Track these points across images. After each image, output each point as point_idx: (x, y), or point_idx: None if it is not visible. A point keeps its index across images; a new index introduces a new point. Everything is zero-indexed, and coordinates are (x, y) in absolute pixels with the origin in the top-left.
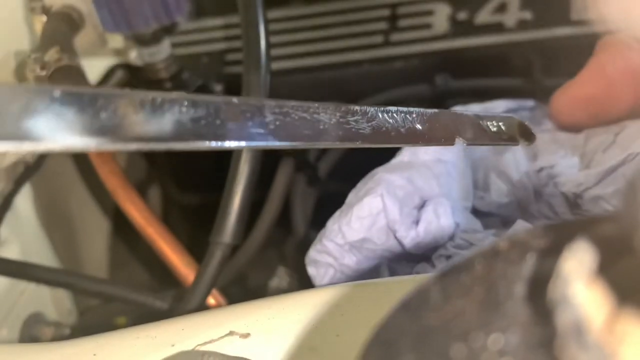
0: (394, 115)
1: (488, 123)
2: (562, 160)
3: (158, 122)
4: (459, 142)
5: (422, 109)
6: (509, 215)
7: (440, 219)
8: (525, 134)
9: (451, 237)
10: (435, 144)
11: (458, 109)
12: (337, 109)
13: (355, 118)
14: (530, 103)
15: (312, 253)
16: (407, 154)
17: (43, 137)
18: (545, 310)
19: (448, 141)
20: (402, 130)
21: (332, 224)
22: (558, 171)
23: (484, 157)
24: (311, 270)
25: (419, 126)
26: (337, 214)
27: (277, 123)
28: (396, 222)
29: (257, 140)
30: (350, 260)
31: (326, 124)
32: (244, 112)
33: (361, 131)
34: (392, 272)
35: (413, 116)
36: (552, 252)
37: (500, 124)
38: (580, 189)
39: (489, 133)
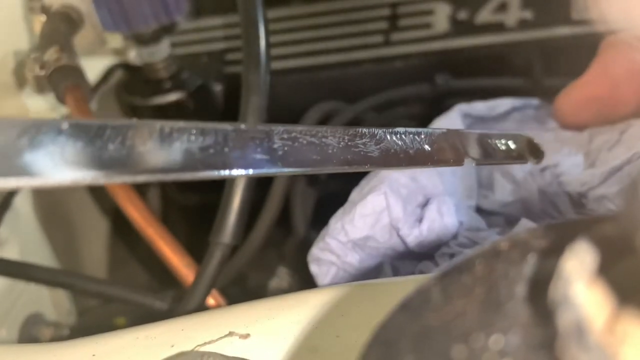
0: (403, 136)
1: (496, 141)
2: (567, 159)
3: (167, 153)
4: (468, 162)
5: (430, 130)
6: (513, 214)
7: (444, 217)
8: (534, 152)
9: (455, 236)
10: (444, 165)
11: (462, 107)
12: (345, 132)
13: (363, 141)
14: (534, 102)
15: (315, 251)
16: None
17: (51, 172)
18: (547, 310)
19: (457, 162)
20: (411, 151)
21: (335, 222)
22: (562, 170)
23: None
24: (314, 269)
25: (427, 147)
26: (340, 211)
27: (286, 149)
28: (399, 221)
29: (266, 167)
30: (353, 259)
31: (335, 148)
32: (252, 139)
33: (370, 154)
34: (395, 270)
35: (421, 137)
36: (553, 252)
37: (508, 142)
38: (584, 188)
39: (497, 152)
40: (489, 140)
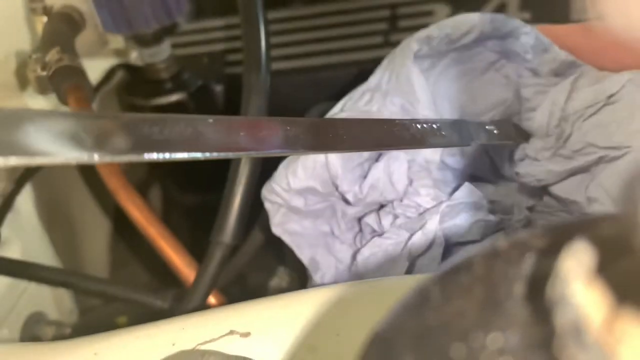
0: (424, 125)
1: (491, 127)
2: (532, 143)
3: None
4: (474, 144)
5: (442, 120)
6: (479, 171)
7: (392, 176)
8: (521, 134)
9: (403, 194)
10: (453, 145)
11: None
12: (385, 121)
13: (397, 128)
14: (516, 22)
15: (264, 191)
16: (375, 104)
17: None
18: (545, 309)
19: (464, 143)
20: (427, 136)
21: (281, 170)
22: (525, 159)
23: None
24: (266, 205)
25: (443, 132)
26: (287, 160)
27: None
28: (337, 177)
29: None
30: (299, 202)
31: (381, 132)
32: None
33: (402, 137)
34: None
35: (438, 126)
36: (552, 252)
37: (492, 128)
38: (540, 184)
39: (492, 135)
40: (486, 126)
